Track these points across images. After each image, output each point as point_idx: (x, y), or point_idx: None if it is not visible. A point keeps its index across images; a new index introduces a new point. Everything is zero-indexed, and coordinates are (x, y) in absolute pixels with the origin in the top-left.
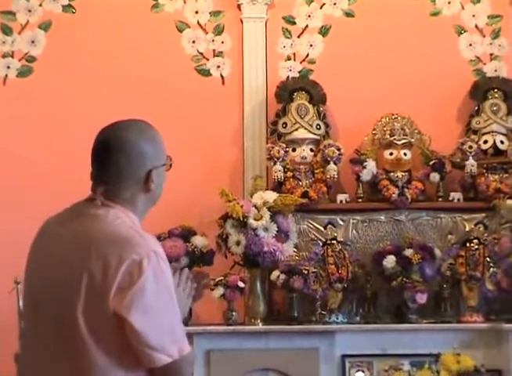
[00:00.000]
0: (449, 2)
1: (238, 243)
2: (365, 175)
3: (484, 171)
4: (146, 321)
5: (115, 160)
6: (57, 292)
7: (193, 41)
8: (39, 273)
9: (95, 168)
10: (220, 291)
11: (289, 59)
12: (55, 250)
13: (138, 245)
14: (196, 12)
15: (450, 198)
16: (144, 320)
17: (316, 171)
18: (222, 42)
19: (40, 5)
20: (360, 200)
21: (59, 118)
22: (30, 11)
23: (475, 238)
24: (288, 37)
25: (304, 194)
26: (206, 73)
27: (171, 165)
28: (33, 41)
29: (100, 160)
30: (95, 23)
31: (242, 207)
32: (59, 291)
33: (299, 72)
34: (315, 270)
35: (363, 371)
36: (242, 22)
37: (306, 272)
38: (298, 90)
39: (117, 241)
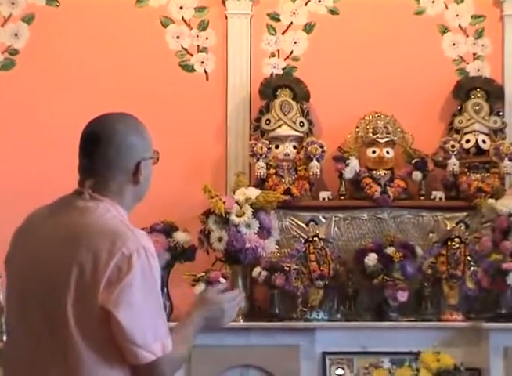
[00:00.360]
0: (433, 1)
1: (220, 239)
2: (348, 173)
3: (466, 170)
4: (132, 317)
5: (104, 151)
6: (46, 285)
7: (177, 37)
8: (26, 266)
9: (83, 160)
10: (201, 286)
11: (273, 55)
12: (43, 243)
13: (129, 239)
14: (181, 8)
15: (432, 197)
16: (129, 317)
17: (299, 168)
18: (207, 38)
19: None
20: (342, 197)
21: (42, 112)
22: (13, 3)
23: (456, 237)
24: (272, 34)
25: (287, 191)
26: (190, 68)
27: (158, 159)
28: (16, 34)
29: (88, 152)
30: (79, 17)
31: (224, 203)
32: (48, 284)
33: (283, 69)
34: (296, 267)
35: (343, 368)
36: (226, 18)
37: (288, 269)
38: (282, 87)
39: (107, 235)
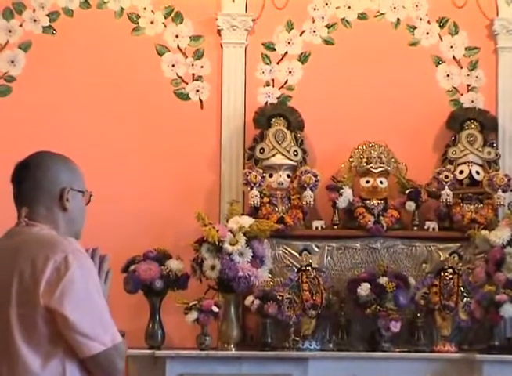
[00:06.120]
0: (428, 33)
1: (213, 267)
2: (342, 202)
3: (460, 201)
4: (79, 311)
5: (32, 175)
6: None
7: (173, 65)
8: None
9: (15, 188)
10: (194, 315)
11: (268, 85)
12: None
13: (63, 244)
14: (177, 36)
15: (425, 227)
16: (76, 310)
17: (293, 197)
18: (202, 67)
19: (20, 25)
20: (336, 227)
21: (37, 139)
22: (10, 31)
23: (449, 268)
24: (267, 64)
25: (280, 220)
26: (185, 97)
27: (90, 199)
28: (12, 61)
29: (19, 178)
30: (76, 45)
31: (218, 231)
32: None
33: (277, 98)
34: (289, 296)
35: None
36: (222, 47)
37: (280, 298)
38: (276, 116)
39: (42, 243)
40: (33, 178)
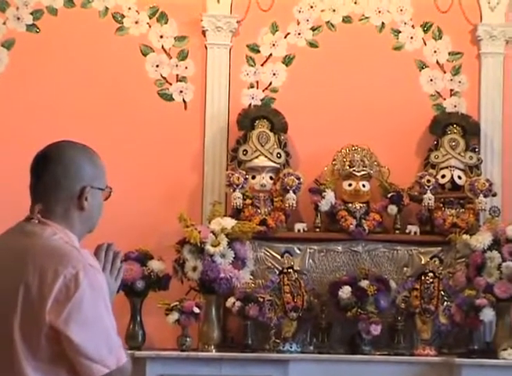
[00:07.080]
0: (412, 37)
1: (194, 268)
2: (324, 205)
3: (442, 205)
4: (84, 333)
5: (52, 169)
6: None
7: (157, 66)
8: None
9: (33, 182)
10: (175, 316)
11: (252, 86)
12: None
13: (74, 258)
14: (161, 37)
15: (407, 231)
16: (82, 332)
17: (275, 200)
18: (186, 68)
19: (3, 23)
20: (318, 229)
21: (21, 137)
22: None
23: (430, 271)
24: (252, 65)
25: (263, 222)
26: (168, 97)
27: (109, 195)
28: None
29: (38, 172)
30: (59, 44)
31: (200, 232)
32: None
33: (261, 100)
34: (270, 298)
35: None
36: (206, 48)
37: (262, 300)
38: (260, 118)
39: (53, 255)
40: (53, 174)
